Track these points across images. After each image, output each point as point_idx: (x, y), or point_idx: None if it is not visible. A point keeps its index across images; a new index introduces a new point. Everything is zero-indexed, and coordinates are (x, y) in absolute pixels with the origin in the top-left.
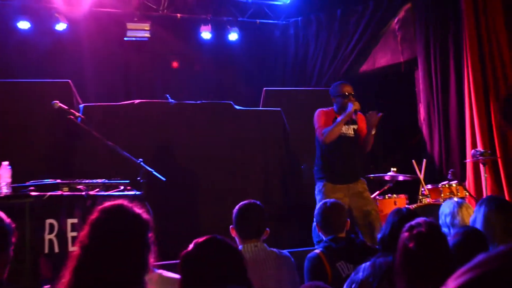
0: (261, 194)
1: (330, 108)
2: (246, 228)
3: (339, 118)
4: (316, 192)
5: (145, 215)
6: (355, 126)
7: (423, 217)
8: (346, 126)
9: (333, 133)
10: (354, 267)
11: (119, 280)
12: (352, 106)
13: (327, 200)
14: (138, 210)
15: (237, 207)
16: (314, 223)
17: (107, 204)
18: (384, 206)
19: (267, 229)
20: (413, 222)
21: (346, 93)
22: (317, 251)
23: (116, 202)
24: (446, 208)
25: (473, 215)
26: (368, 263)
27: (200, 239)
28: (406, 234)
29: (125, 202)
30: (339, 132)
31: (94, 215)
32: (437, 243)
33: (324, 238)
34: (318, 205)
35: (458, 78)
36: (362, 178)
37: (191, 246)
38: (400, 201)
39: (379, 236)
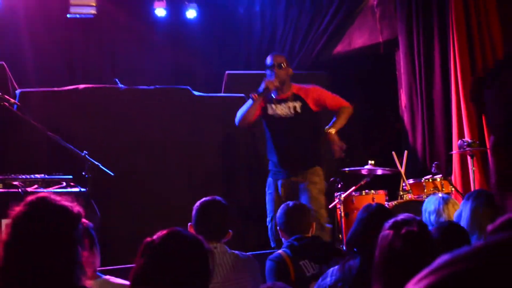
0: (225, 190)
1: None
2: (206, 228)
3: (248, 101)
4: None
5: (75, 208)
6: (297, 104)
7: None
8: (282, 105)
9: (243, 118)
10: (320, 267)
11: (47, 280)
12: (264, 84)
13: (290, 202)
14: (66, 202)
15: (197, 203)
16: (270, 228)
17: (30, 197)
18: (361, 203)
19: (230, 230)
20: (398, 219)
21: (270, 65)
22: (279, 251)
23: (40, 194)
24: (430, 204)
25: (458, 210)
26: (336, 267)
27: (165, 231)
28: (390, 232)
29: (51, 195)
30: (251, 116)
31: (15, 210)
32: (427, 243)
33: (285, 242)
34: (280, 208)
35: (443, 60)
36: (314, 167)
37: (155, 236)
38: (379, 197)
39: (348, 236)
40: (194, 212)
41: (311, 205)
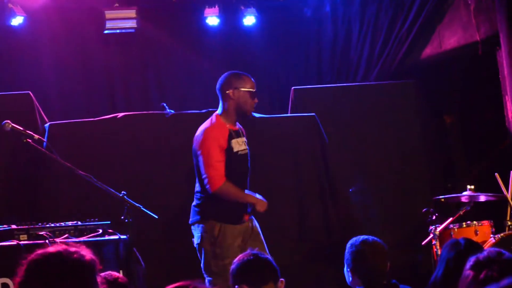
0: (293, 227)
1: (218, 121)
2: (252, 276)
3: (248, 196)
4: (199, 239)
5: (87, 256)
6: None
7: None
8: (239, 139)
9: (230, 196)
10: None
11: None
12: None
13: (364, 237)
14: (78, 253)
15: (236, 262)
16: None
17: (32, 255)
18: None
19: (282, 279)
20: (480, 257)
21: (256, 91)
22: None
23: (41, 250)
24: None
25: None
26: None
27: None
28: (470, 273)
29: (57, 249)
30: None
31: (20, 271)
32: None
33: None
34: (349, 244)
35: None
36: None
37: None
38: (483, 229)
39: (431, 279)
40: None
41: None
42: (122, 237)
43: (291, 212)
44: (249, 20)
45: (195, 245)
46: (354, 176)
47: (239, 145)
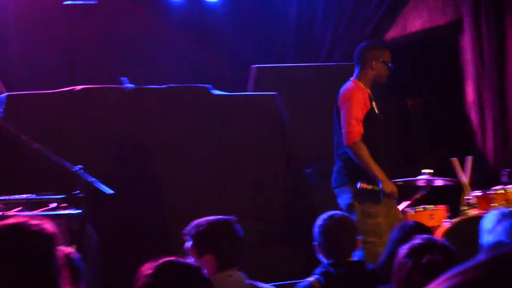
0: (251, 207)
1: (358, 85)
2: (228, 251)
3: (376, 167)
4: (350, 199)
5: (47, 229)
6: None
7: (460, 235)
8: (374, 104)
9: (360, 156)
10: None
11: None
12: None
13: (332, 213)
14: (38, 226)
15: (204, 222)
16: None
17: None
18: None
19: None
20: (415, 243)
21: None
22: (310, 279)
23: (5, 221)
24: (487, 222)
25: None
26: None
27: (159, 262)
28: (408, 261)
29: (18, 220)
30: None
31: None
32: None
33: (324, 262)
34: (319, 219)
35: None
36: None
37: (149, 271)
38: (439, 213)
39: (380, 260)
40: (202, 235)
41: None
42: (76, 211)
43: (245, 191)
44: None
45: (342, 206)
46: (313, 157)
47: (377, 108)
